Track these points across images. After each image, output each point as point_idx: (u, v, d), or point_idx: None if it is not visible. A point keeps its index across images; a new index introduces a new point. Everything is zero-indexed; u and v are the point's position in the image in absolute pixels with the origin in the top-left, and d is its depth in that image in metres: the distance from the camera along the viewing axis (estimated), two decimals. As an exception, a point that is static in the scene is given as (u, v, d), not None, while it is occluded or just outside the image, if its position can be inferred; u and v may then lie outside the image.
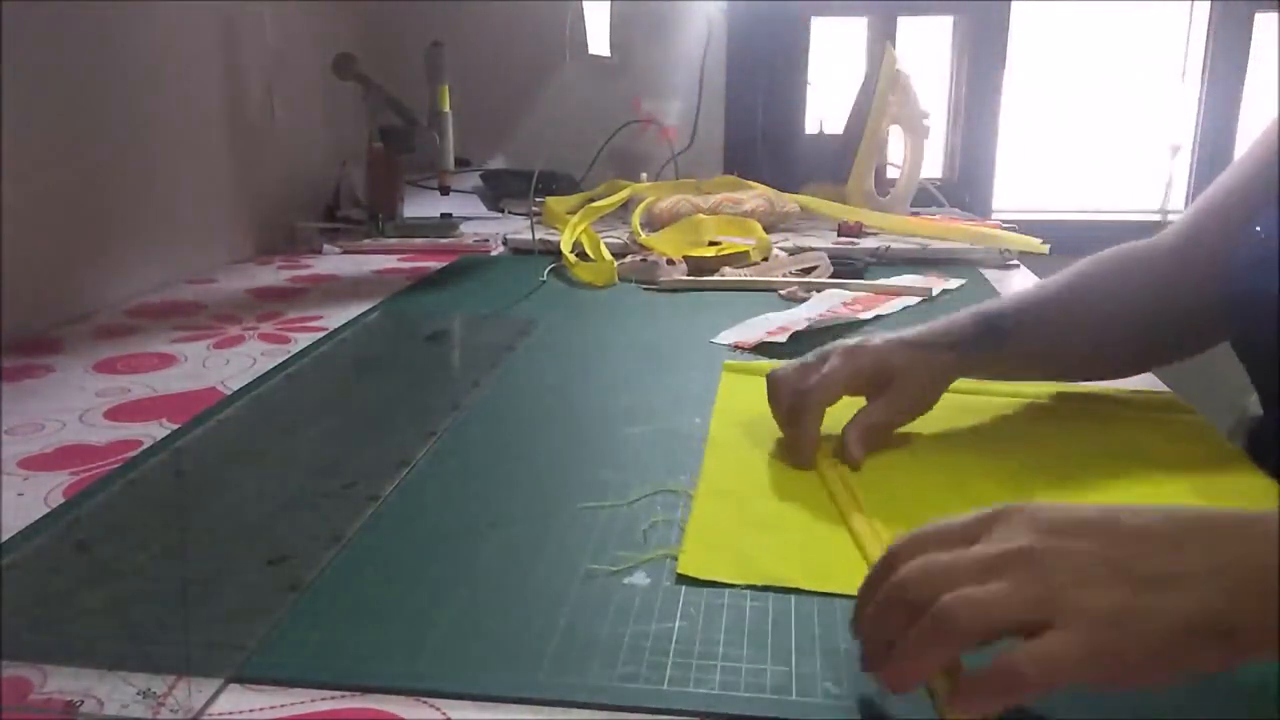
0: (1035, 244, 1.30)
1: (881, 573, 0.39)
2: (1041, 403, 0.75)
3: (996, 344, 0.69)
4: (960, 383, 0.75)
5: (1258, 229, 0.65)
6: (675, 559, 0.50)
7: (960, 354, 0.68)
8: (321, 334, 0.93)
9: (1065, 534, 0.37)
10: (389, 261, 1.33)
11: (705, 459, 0.63)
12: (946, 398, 0.70)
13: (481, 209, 1.68)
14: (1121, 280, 0.73)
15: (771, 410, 0.67)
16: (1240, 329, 0.67)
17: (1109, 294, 0.72)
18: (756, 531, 0.53)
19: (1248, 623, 0.34)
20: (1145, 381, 0.79)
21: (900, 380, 0.65)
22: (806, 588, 0.47)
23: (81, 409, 0.73)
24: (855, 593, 0.41)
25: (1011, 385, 0.76)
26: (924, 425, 0.68)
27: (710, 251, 1.25)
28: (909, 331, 0.68)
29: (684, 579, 0.48)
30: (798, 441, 0.63)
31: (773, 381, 0.66)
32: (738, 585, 0.48)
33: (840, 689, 0.40)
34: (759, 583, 0.48)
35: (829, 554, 0.51)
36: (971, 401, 0.74)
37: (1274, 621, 0.34)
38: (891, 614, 0.37)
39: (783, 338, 0.90)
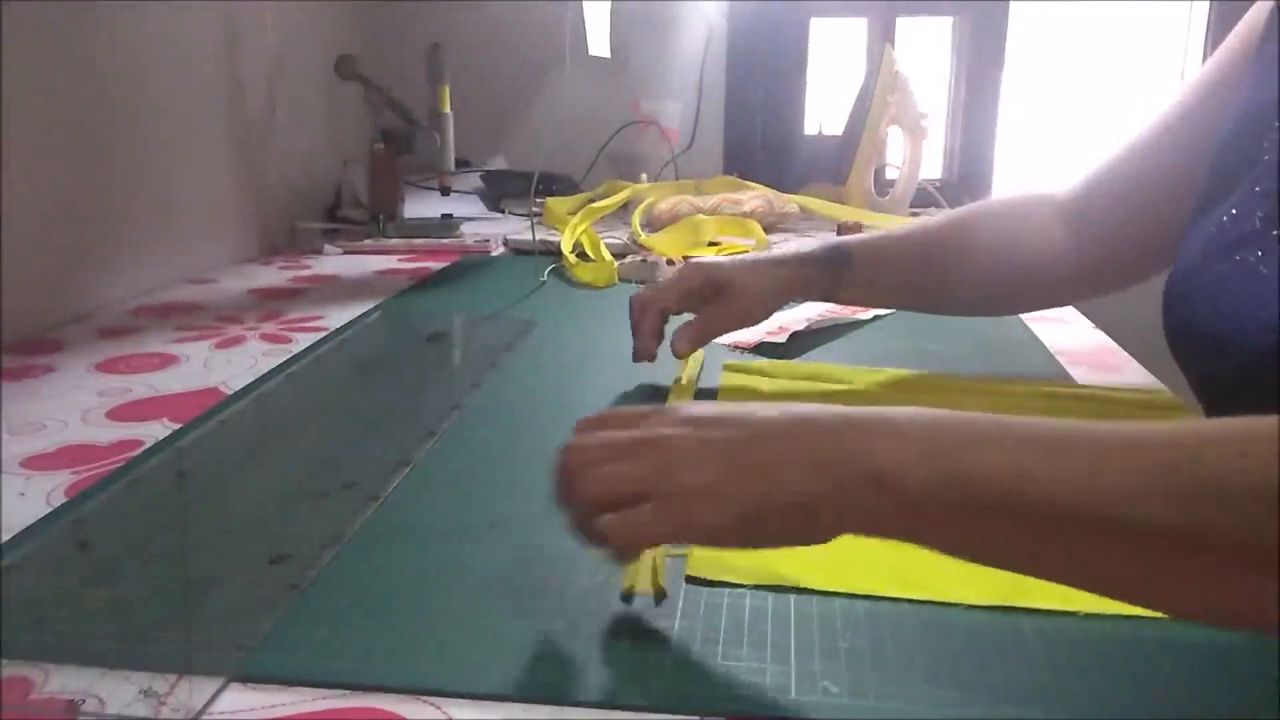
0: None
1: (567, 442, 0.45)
2: (1034, 399, 0.75)
3: (839, 261, 0.76)
4: (953, 379, 0.76)
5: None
6: (672, 558, 0.50)
7: (801, 266, 0.76)
8: (322, 334, 0.94)
9: (697, 425, 0.42)
10: (389, 262, 1.33)
11: None
12: (941, 395, 0.70)
13: (482, 209, 1.68)
14: (993, 226, 0.78)
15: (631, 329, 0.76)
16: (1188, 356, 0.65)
17: (971, 236, 0.78)
18: None
19: (824, 505, 0.39)
20: (1142, 379, 0.79)
21: (730, 289, 0.74)
22: (818, 588, 0.47)
23: (83, 409, 0.73)
24: (864, 593, 0.47)
25: (1006, 383, 0.76)
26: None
27: (710, 252, 1.25)
28: (759, 253, 0.78)
29: (693, 580, 0.48)
30: (637, 341, 0.75)
31: (633, 299, 0.76)
32: (744, 585, 0.48)
33: (840, 688, 0.40)
34: (769, 583, 0.48)
35: (839, 554, 0.51)
36: (967, 399, 0.74)
37: (852, 506, 0.38)
38: (556, 478, 0.44)
39: (782, 338, 0.90)
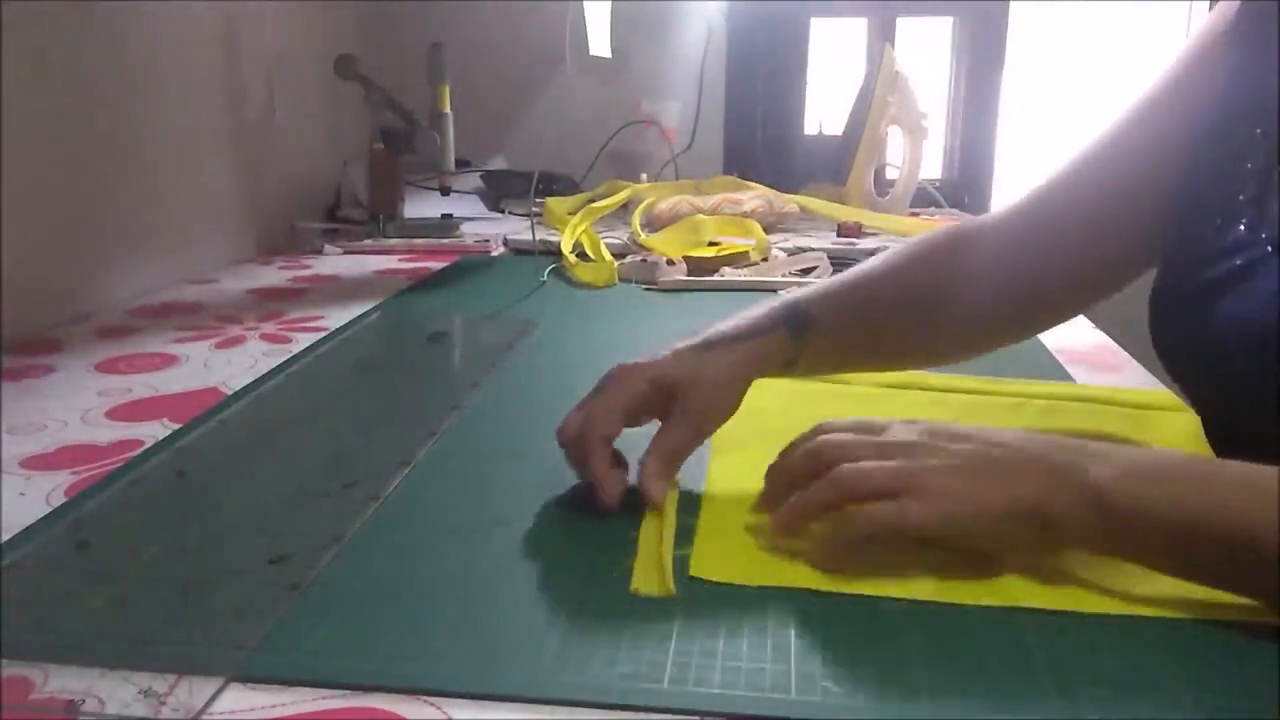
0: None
1: (804, 440, 0.53)
2: (1034, 399, 0.75)
3: (798, 323, 0.63)
4: (953, 379, 0.75)
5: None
6: (676, 559, 0.50)
7: (757, 344, 0.61)
8: (322, 334, 0.94)
9: (941, 436, 0.50)
10: (390, 262, 1.33)
11: (710, 460, 0.63)
12: (941, 395, 0.70)
13: (482, 209, 1.68)
14: (947, 259, 0.68)
15: (580, 464, 0.58)
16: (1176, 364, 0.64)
17: (932, 272, 0.68)
18: (768, 532, 0.53)
19: (1062, 518, 0.46)
20: (1142, 379, 0.79)
21: (686, 392, 0.58)
22: (821, 589, 0.47)
23: (83, 409, 0.73)
24: (868, 593, 0.46)
25: (1006, 383, 0.76)
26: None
27: (710, 252, 1.25)
28: (701, 332, 0.62)
29: (696, 580, 0.48)
30: (596, 487, 0.55)
31: (559, 435, 0.59)
32: (746, 585, 0.48)
33: (840, 688, 0.40)
34: (772, 584, 0.48)
35: None
36: (971, 401, 0.74)
37: (1083, 520, 0.45)
38: (801, 469, 0.51)
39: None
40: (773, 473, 0.54)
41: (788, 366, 0.64)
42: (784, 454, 0.54)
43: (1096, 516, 0.45)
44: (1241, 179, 0.57)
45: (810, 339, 0.63)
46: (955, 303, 0.67)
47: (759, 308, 0.63)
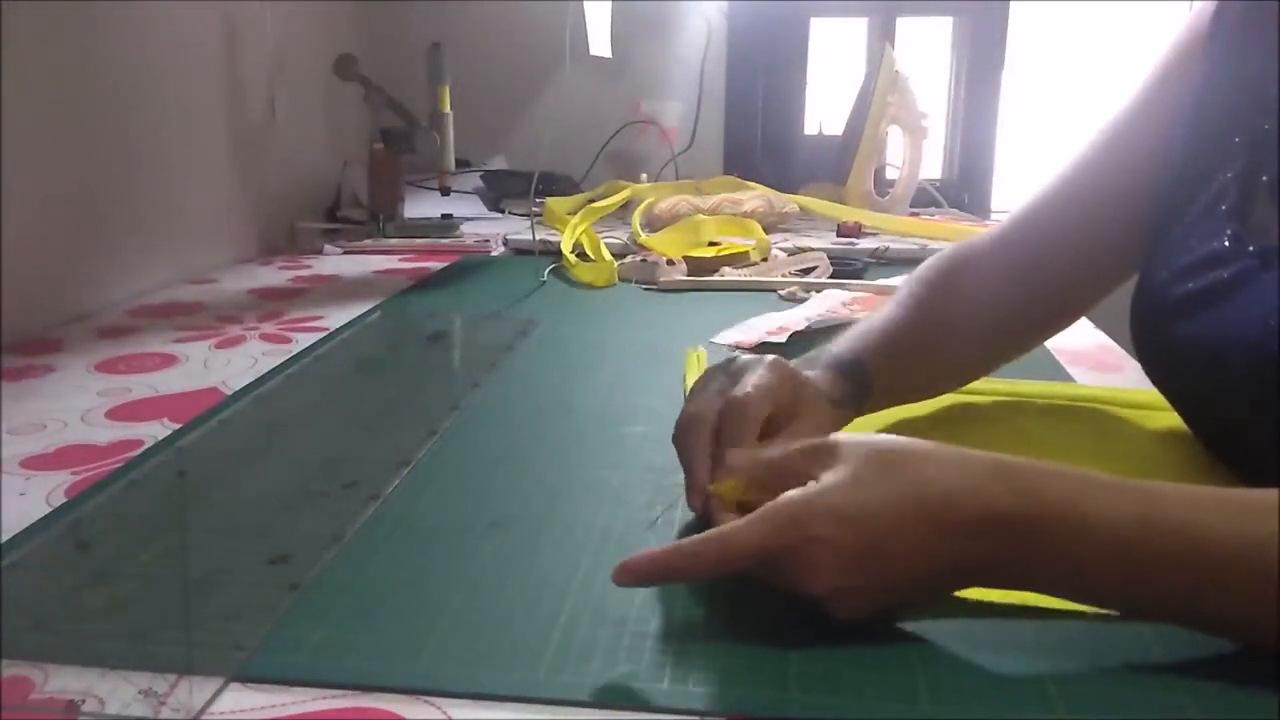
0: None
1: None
2: (1038, 401, 0.75)
3: (861, 395, 0.62)
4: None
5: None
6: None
7: (838, 415, 0.60)
8: (322, 334, 0.94)
9: (848, 524, 0.42)
10: (390, 262, 1.33)
11: None
12: (945, 398, 0.70)
13: (482, 209, 1.68)
14: (951, 293, 0.68)
15: (685, 460, 0.54)
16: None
17: (954, 304, 0.68)
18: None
19: (973, 564, 0.42)
20: (1142, 380, 0.79)
21: (806, 408, 0.56)
22: None
23: (83, 409, 0.73)
24: None
25: (1006, 383, 0.76)
26: (924, 426, 0.68)
27: (710, 252, 1.25)
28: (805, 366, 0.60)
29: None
30: (749, 467, 0.49)
31: (690, 422, 0.54)
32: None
33: (840, 689, 0.40)
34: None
35: None
36: (971, 401, 0.74)
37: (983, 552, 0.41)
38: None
39: (782, 338, 0.90)
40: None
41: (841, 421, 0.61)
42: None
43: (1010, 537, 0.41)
44: (1222, 188, 0.57)
45: (869, 397, 0.63)
46: (962, 336, 0.68)
47: (820, 369, 0.61)
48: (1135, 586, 0.40)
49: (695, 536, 0.43)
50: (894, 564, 0.42)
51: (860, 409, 0.63)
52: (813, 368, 0.62)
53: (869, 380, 0.63)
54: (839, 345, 0.65)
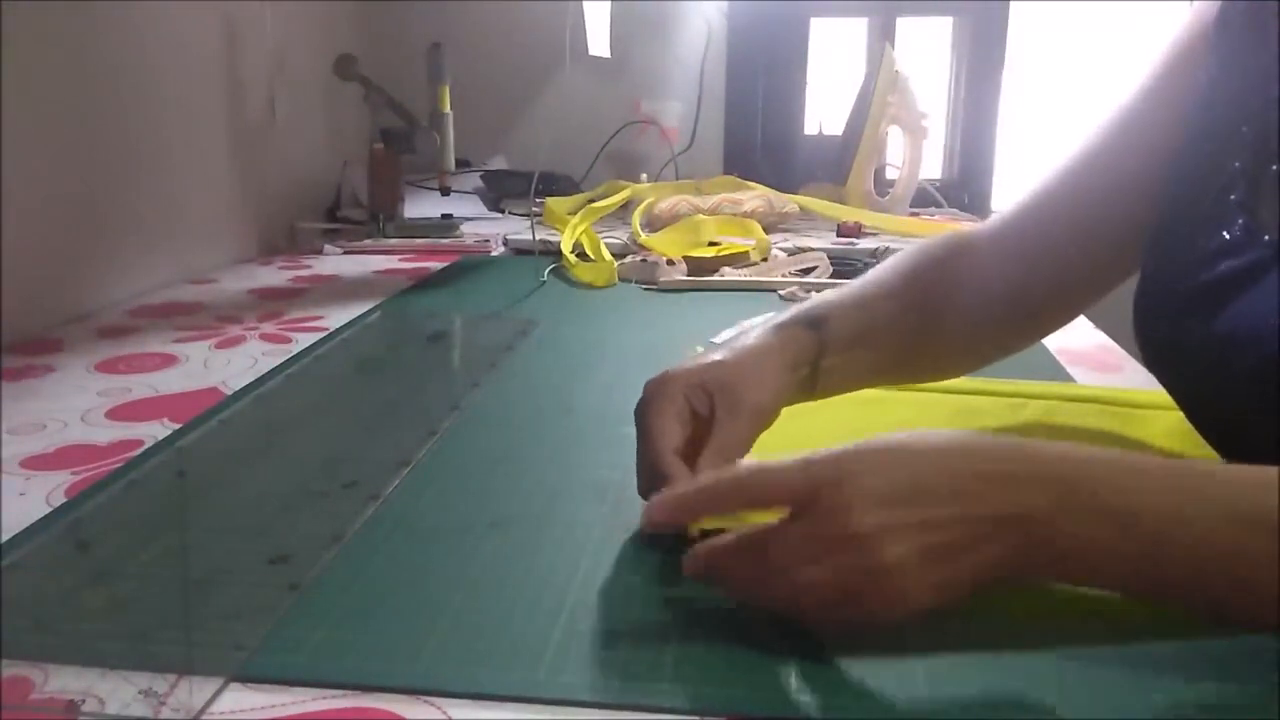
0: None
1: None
2: (1038, 401, 0.75)
3: (814, 323, 0.62)
4: (960, 383, 0.75)
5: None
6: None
7: (781, 337, 0.60)
8: (322, 334, 0.94)
9: (886, 507, 0.42)
10: (390, 262, 1.33)
11: None
12: (946, 399, 0.70)
13: (482, 209, 1.68)
14: (948, 275, 0.68)
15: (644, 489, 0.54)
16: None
17: (931, 288, 0.67)
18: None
19: (1025, 570, 0.42)
20: (1142, 380, 0.79)
21: (728, 389, 0.56)
22: None
23: (83, 409, 0.73)
24: None
25: (1006, 383, 0.76)
26: (924, 426, 0.68)
27: (710, 252, 1.25)
28: (724, 345, 0.61)
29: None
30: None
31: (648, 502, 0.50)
32: None
33: (841, 689, 0.40)
34: None
35: None
36: (971, 401, 0.74)
37: (1044, 568, 0.42)
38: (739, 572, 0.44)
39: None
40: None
41: (813, 372, 0.62)
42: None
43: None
44: (1230, 179, 0.57)
45: (828, 334, 0.62)
46: (956, 319, 0.67)
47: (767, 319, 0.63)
48: (1171, 546, 0.41)
49: (734, 471, 0.46)
50: (939, 503, 0.42)
51: (816, 367, 0.61)
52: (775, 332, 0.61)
53: (818, 315, 0.62)
54: (809, 302, 0.65)
